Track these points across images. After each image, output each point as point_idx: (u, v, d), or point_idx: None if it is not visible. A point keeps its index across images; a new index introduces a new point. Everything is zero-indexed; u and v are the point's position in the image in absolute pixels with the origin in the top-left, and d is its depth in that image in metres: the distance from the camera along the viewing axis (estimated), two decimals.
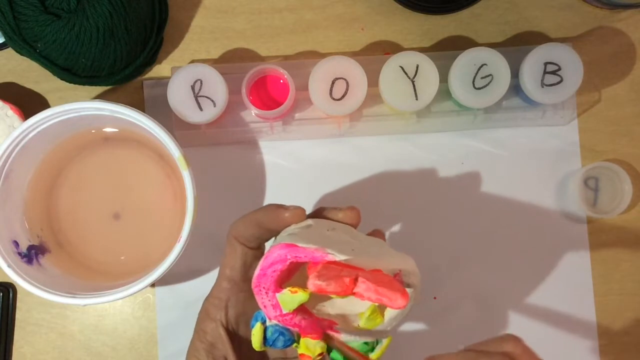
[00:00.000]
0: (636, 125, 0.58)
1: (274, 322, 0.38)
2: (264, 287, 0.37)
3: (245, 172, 0.58)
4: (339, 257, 0.36)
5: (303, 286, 0.36)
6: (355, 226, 0.42)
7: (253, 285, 0.38)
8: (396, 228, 0.57)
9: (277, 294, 0.37)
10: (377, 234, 0.43)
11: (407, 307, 0.37)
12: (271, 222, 0.41)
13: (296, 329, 0.38)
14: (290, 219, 0.40)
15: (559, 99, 0.52)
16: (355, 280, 0.35)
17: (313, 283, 0.35)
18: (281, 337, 0.38)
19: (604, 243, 0.57)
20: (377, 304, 0.37)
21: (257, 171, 0.58)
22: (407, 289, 0.37)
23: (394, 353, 0.56)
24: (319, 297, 0.38)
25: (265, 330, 0.38)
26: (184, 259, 0.50)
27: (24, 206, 0.53)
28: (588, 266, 0.57)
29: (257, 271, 0.37)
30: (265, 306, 0.37)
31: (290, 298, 0.36)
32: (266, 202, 0.57)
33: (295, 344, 0.38)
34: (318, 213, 0.42)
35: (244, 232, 0.42)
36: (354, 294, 0.35)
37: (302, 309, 0.37)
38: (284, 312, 0.37)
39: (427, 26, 0.58)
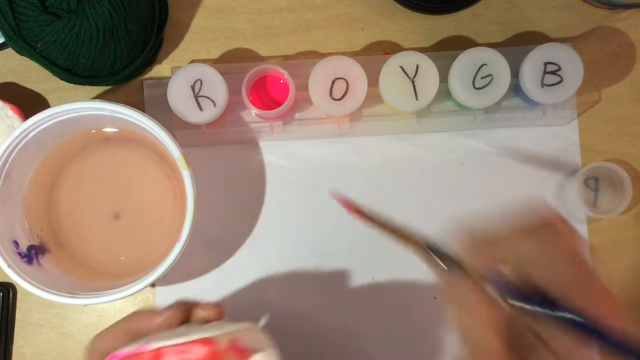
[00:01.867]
0: (636, 125, 0.58)
1: None
2: None
3: (245, 172, 0.58)
4: (163, 344, 0.36)
5: None
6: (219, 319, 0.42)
7: None
8: None
9: None
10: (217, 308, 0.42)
11: None
12: (145, 329, 0.39)
13: None
14: (163, 325, 0.39)
15: (559, 99, 0.52)
16: (160, 353, 0.35)
17: None
18: None
19: (604, 243, 0.57)
20: None
21: (257, 171, 0.58)
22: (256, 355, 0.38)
23: (395, 352, 0.56)
24: None
25: None
26: (184, 259, 0.50)
27: (24, 206, 0.53)
28: None
29: None
30: None
31: None
32: (266, 202, 0.57)
33: None
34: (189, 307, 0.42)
35: (113, 346, 0.39)
36: None
37: None
38: None
39: (427, 26, 0.58)
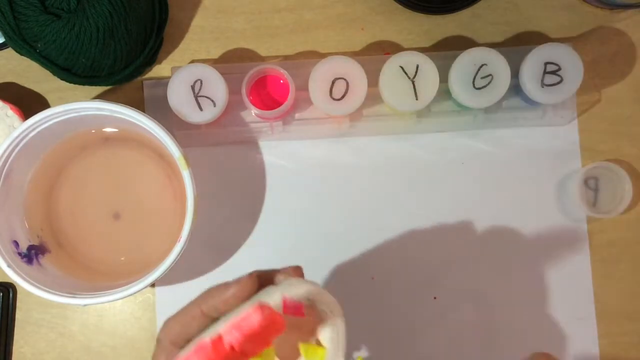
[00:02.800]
0: (636, 125, 0.58)
1: None
2: None
3: (245, 172, 0.58)
4: (219, 327, 0.36)
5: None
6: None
7: None
8: (396, 228, 0.57)
9: None
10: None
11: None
12: (217, 306, 0.38)
13: None
14: (235, 299, 0.38)
15: (559, 99, 0.52)
16: (220, 337, 0.35)
17: None
18: None
19: (604, 243, 0.57)
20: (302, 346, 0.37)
21: (257, 171, 0.58)
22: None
23: (395, 352, 0.56)
24: None
25: None
26: (184, 259, 0.50)
27: (24, 206, 0.53)
28: (588, 266, 0.57)
29: None
30: None
31: None
32: (266, 202, 0.57)
33: None
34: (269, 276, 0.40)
35: (184, 331, 0.38)
36: (231, 348, 0.35)
37: None
38: None
39: (427, 26, 0.58)
